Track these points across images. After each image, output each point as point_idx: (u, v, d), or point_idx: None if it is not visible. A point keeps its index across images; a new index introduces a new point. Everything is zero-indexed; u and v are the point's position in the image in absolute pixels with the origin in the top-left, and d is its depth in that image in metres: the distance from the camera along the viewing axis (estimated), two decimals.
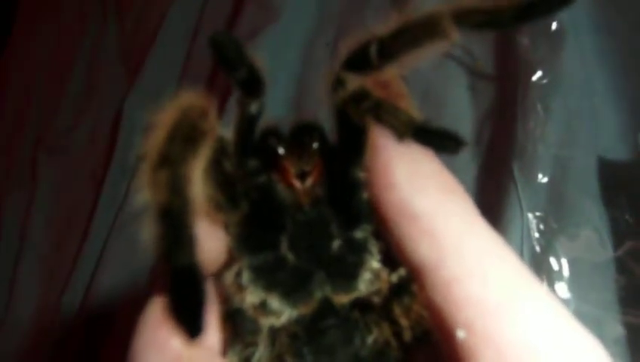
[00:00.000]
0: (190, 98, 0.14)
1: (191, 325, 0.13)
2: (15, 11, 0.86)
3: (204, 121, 0.14)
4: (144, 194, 0.13)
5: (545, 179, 0.26)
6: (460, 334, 0.14)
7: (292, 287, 0.16)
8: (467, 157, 0.31)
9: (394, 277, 0.16)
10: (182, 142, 0.13)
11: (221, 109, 0.45)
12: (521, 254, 0.26)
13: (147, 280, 0.49)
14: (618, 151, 0.27)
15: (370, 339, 0.16)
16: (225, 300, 0.17)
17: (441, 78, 0.34)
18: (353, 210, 0.16)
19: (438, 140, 0.14)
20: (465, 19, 0.14)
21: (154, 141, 0.13)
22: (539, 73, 0.28)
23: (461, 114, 0.33)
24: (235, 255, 0.16)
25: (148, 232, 0.13)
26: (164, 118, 0.14)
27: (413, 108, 0.14)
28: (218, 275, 0.17)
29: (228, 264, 0.17)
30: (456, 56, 0.34)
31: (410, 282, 0.16)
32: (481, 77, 0.33)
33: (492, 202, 0.28)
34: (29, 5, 0.85)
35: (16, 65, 0.83)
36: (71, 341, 0.53)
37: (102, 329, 0.51)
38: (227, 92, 0.47)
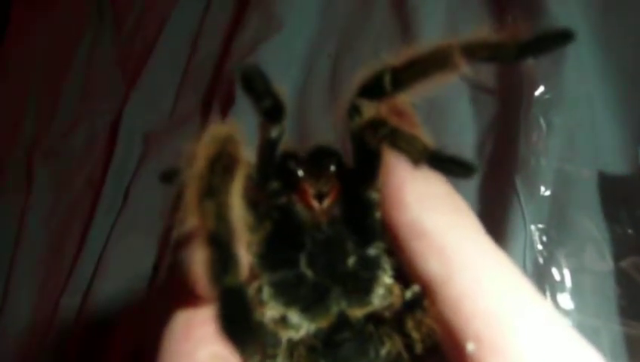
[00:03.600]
0: (224, 129, 0.15)
1: (242, 340, 0.13)
2: (8, 12, 0.86)
3: (238, 150, 0.15)
4: (191, 222, 0.14)
5: (547, 192, 0.27)
6: (470, 347, 0.14)
7: (310, 302, 0.17)
8: None
9: (408, 294, 0.17)
10: (222, 173, 0.14)
11: (224, 116, 0.45)
12: (523, 265, 0.27)
13: (146, 286, 0.49)
14: (619, 166, 0.28)
15: (383, 351, 0.17)
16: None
17: (444, 91, 0.34)
18: (367, 228, 0.17)
19: (451, 167, 0.15)
20: (472, 52, 0.15)
21: (197, 172, 0.14)
22: (541, 88, 0.29)
23: (463, 126, 0.33)
24: (255, 272, 0.17)
25: (197, 257, 0.13)
26: (203, 150, 0.15)
27: (426, 136, 0.15)
28: None
29: (249, 280, 0.17)
30: None
31: (422, 298, 0.16)
32: (483, 90, 0.33)
33: (495, 214, 0.28)
34: (22, 6, 0.85)
35: (11, 67, 0.83)
36: (68, 346, 0.53)
37: (100, 334, 0.51)
38: (227, 100, 0.47)
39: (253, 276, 0.17)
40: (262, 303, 0.17)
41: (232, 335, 0.13)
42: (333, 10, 0.43)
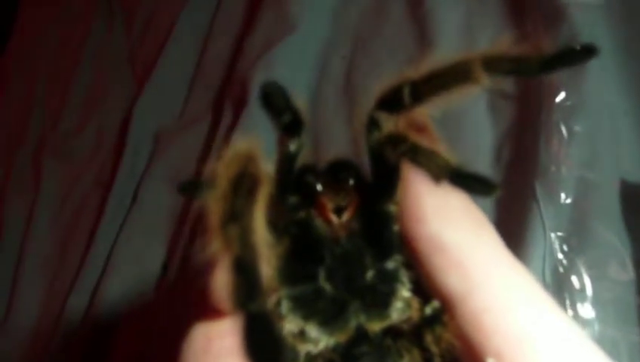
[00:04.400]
0: (245, 146, 0.15)
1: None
2: (16, 10, 0.86)
3: (260, 169, 0.15)
4: (215, 246, 0.14)
5: (568, 200, 0.27)
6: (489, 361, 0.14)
7: (329, 316, 0.17)
8: (488, 172, 0.31)
9: (428, 310, 0.17)
10: (246, 195, 0.14)
11: (235, 116, 0.45)
12: (543, 273, 0.26)
13: (154, 287, 0.49)
14: None
15: None
16: None
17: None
18: (385, 241, 0.17)
19: (472, 184, 0.15)
20: (494, 66, 0.15)
21: (219, 195, 0.14)
22: (562, 95, 0.28)
23: (481, 132, 0.33)
24: (274, 285, 0.17)
25: (222, 282, 0.13)
26: (225, 171, 0.15)
27: (446, 152, 0.15)
28: None
29: (268, 294, 0.17)
30: None
31: (441, 313, 0.16)
32: (501, 96, 0.33)
33: (514, 221, 0.28)
34: (29, 3, 0.85)
35: (19, 65, 0.83)
36: (75, 346, 0.53)
37: (107, 334, 0.50)
38: (239, 100, 0.47)
39: (272, 290, 0.17)
40: (280, 317, 0.17)
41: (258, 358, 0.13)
42: (348, 11, 0.43)
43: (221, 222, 0.14)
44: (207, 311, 0.17)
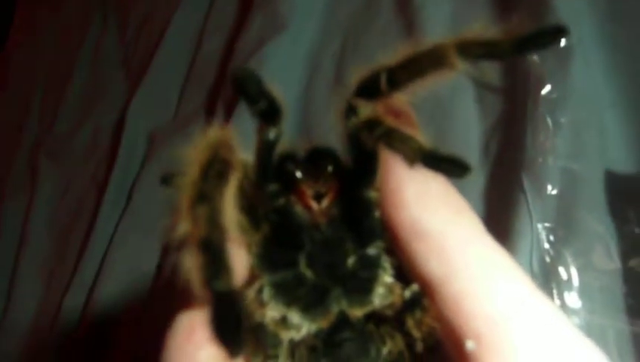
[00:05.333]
0: (217, 133, 0.15)
1: (232, 344, 0.13)
2: (12, 13, 0.86)
3: (231, 154, 0.15)
4: (183, 227, 0.14)
5: (554, 191, 0.27)
6: (470, 345, 0.14)
7: (311, 302, 0.17)
8: (475, 168, 0.31)
9: (407, 293, 0.17)
10: (215, 178, 0.14)
11: (228, 116, 0.45)
12: (530, 264, 0.27)
13: (149, 286, 0.49)
14: (626, 164, 0.27)
15: (384, 350, 0.17)
16: (246, 316, 0.17)
17: (449, 90, 0.35)
18: (366, 228, 0.17)
19: (446, 166, 0.15)
20: (468, 50, 0.15)
21: (189, 178, 0.14)
22: (548, 87, 0.29)
23: (469, 125, 0.33)
24: (255, 273, 0.17)
25: (188, 262, 0.13)
26: (196, 155, 0.15)
27: (422, 136, 0.15)
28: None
29: (249, 282, 0.17)
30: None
31: (422, 297, 0.17)
32: (489, 90, 0.33)
33: (501, 213, 0.28)
34: (26, 7, 0.85)
35: (14, 68, 0.83)
36: (72, 346, 0.53)
37: (103, 334, 0.51)
38: (232, 100, 0.47)
39: (254, 277, 0.17)
40: (262, 304, 0.17)
41: (223, 339, 0.13)
42: (338, 10, 0.43)
43: (190, 203, 0.14)
44: (191, 300, 0.17)
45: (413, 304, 0.17)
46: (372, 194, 0.17)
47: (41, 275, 0.61)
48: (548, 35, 0.15)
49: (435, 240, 0.15)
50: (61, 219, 0.63)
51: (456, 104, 0.34)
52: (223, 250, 0.13)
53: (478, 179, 0.31)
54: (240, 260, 0.17)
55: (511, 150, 0.30)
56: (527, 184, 0.28)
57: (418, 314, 0.17)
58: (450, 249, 0.15)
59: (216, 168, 0.14)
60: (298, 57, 0.44)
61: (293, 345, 0.17)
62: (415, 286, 0.16)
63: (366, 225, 0.17)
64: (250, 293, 0.17)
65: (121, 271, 0.52)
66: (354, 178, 0.17)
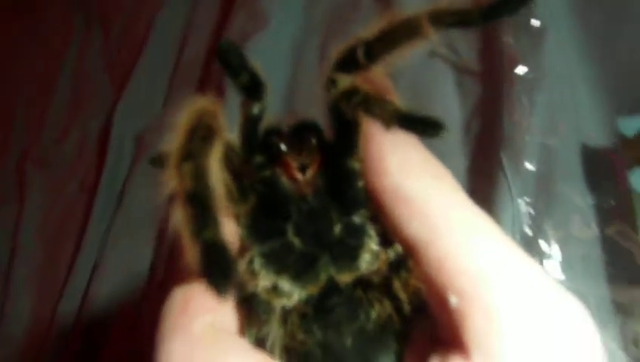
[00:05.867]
0: (203, 102, 0.16)
1: (221, 286, 0.14)
2: None
3: (216, 121, 0.16)
4: (171, 185, 0.14)
5: (532, 167, 0.28)
6: (453, 301, 0.15)
7: (300, 270, 0.18)
8: (457, 149, 0.32)
9: (391, 253, 0.18)
10: (200, 140, 0.15)
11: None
12: (512, 237, 0.28)
13: (143, 288, 0.49)
14: (600, 138, 0.28)
15: (373, 314, 0.18)
16: (239, 287, 0.18)
17: (429, 75, 0.35)
18: (350, 197, 0.18)
19: (421, 126, 0.15)
20: (439, 20, 0.16)
21: (176, 140, 0.15)
22: (523, 68, 0.30)
23: (449, 108, 0.34)
24: (246, 244, 0.18)
25: (177, 218, 0.14)
26: (183, 121, 0.16)
27: (398, 100, 0.16)
28: None
29: (240, 254, 0.18)
30: (443, 55, 0.35)
31: (406, 258, 0.17)
32: (467, 73, 0.34)
33: (484, 191, 0.29)
34: (8, 16, 0.85)
35: None
36: (67, 351, 0.53)
37: (99, 337, 0.51)
38: (217, 97, 0.48)
39: (244, 249, 0.18)
40: (254, 274, 0.17)
41: (212, 282, 0.14)
42: (319, 3, 0.44)
43: (176, 161, 0.15)
44: (186, 275, 0.18)
45: (398, 265, 0.17)
46: (355, 164, 0.17)
47: (34, 283, 0.61)
48: (514, 2, 0.15)
49: (418, 204, 0.16)
50: (52, 226, 0.63)
51: (436, 88, 0.35)
52: (209, 202, 0.14)
53: (460, 159, 0.31)
54: (230, 233, 0.18)
55: (490, 130, 0.31)
56: (506, 161, 0.29)
57: (404, 275, 0.17)
58: (433, 212, 0.16)
59: (201, 131, 0.15)
60: (282, 52, 0.45)
61: (285, 313, 0.18)
62: (399, 247, 0.17)
63: (350, 194, 0.18)
64: (242, 265, 0.18)
65: (114, 273, 0.52)
66: (337, 149, 0.18)
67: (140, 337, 0.48)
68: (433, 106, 0.34)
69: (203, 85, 0.51)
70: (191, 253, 0.14)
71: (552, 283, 0.16)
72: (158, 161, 0.19)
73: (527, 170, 0.28)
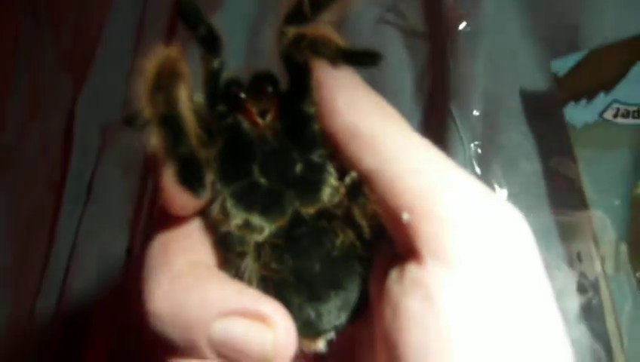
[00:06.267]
0: (166, 50, 0.18)
1: (197, 187, 0.16)
2: None
3: (181, 64, 0.17)
4: (145, 113, 0.16)
5: (478, 113, 0.30)
6: (405, 217, 0.17)
7: (268, 206, 0.19)
8: (411, 105, 0.34)
9: (348, 180, 0.19)
10: (169, 75, 0.17)
11: None
12: None
13: (121, 272, 0.50)
14: (537, 82, 0.31)
15: (337, 241, 0.19)
16: (213, 230, 0.20)
17: (380, 41, 0.37)
18: (308, 138, 0.19)
19: (363, 58, 0.17)
20: None
21: (146, 77, 0.17)
22: (464, 24, 0.32)
23: (401, 70, 0.36)
24: (217, 189, 0.19)
25: (153, 142, 0.16)
26: (150, 63, 0.17)
27: (340, 39, 0.18)
28: (204, 212, 0.19)
29: (211, 201, 0.20)
30: (391, 21, 0.37)
31: (362, 184, 0.19)
32: (415, 35, 0.36)
33: (437, 139, 0.31)
34: None
35: None
36: (48, 348, 0.53)
37: (80, 330, 0.51)
38: None
39: (215, 194, 0.19)
40: (226, 214, 0.19)
41: (189, 185, 0.16)
42: None
43: (147, 92, 0.16)
44: (166, 223, 0.19)
45: (355, 191, 0.19)
46: (309, 108, 0.19)
47: (8, 282, 0.61)
48: None
49: (369, 139, 0.18)
50: (22, 225, 0.63)
51: (387, 53, 0.36)
52: (181, 123, 0.16)
53: (414, 114, 0.34)
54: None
55: (439, 85, 0.33)
56: (454, 110, 0.31)
57: (361, 200, 0.19)
58: (382, 144, 0.18)
59: (169, 67, 0.17)
60: (238, 30, 0.46)
61: (259, 246, 0.19)
62: (354, 174, 0.19)
63: (307, 136, 0.19)
64: (215, 208, 0.19)
65: (90, 263, 0.52)
66: (292, 96, 0.19)
67: (121, 322, 0.49)
68: (385, 69, 0.36)
69: None
70: (167, 170, 0.16)
71: (490, 192, 0.18)
72: (133, 121, 0.20)
73: (474, 116, 0.30)
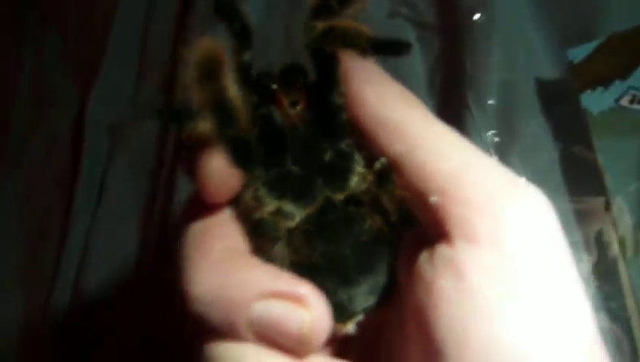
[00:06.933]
0: (208, 42, 0.18)
1: (245, 165, 0.18)
2: None
3: (224, 52, 0.18)
4: (195, 102, 0.17)
5: (494, 102, 0.31)
6: (433, 200, 0.18)
7: (299, 193, 0.20)
8: (424, 98, 0.35)
9: (377, 165, 0.20)
10: (215, 64, 0.17)
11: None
12: None
13: (135, 267, 0.50)
14: (553, 70, 0.31)
15: (366, 227, 0.20)
16: (245, 218, 0.20)
17: (392, 34, 0.38)
18: (337, 128, 0.20)
19: (393, 48, 0.18)
20: None
21: (194, 66, 0.17)
22: (477, 14, 0.32)
23: (414, 63, 0.36)
24: (249, 177, 0.20)
25: (200, 129, 0.17)
26: (196, 53, 0.18)
27: (369, 31, 0.18)
28: (236, 201, 0.20)
29: (243, 189, 0.20)
30: (403, 13, 0.38)
31: (390, 170, 0.20)
32: (427, 28, 0.37)
33: (453, 129, 0.32)
34: None
35: None
36: (62, 345, 0.54)
37: (96, 325, 0.52)
38: None
39: (247, 182, 0.20)
40: (259, 201, 0.20)
41: (240, 165, 0.18)
42: None
43: (196, 80, 0.17)
44: (198, 213, 0.20)
45: (384, 177, 0.19)
46: (338, 99, 0.20)
47: (20, 283, 0.61)
48: None
49: (397, 127, 0.19)
50: (31, 226, 0.63)
51: None
52: (230, 105, 0.17)
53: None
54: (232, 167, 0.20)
55: (453, 76, 0.33)
56: (470, 102, 0.31)
57: (390, 186, 0.19)
58: (410, 131, 0.19)
59: (213, 58, 0.17)
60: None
61: (290, 232, 0.20)
62: (383, 160, 0.19)
63: (336, 125, 0.20)
64: (248, 195, 0.20)
65: (102, 263, 0.53)
66: (321, 87, 0.20)
67: (137, 316, 0.49)
68: (398, 62, 0.36)
69: (174, 64, 0.51)
70: (208, 158, 0.17)
71: (514, 175, 0.18)
72: (165, 114, 0.21)
73: (489, 105, 0.31)
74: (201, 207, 0.20)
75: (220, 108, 0.17)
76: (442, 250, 0.18)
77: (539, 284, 0.17)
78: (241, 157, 0.18)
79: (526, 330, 0.16)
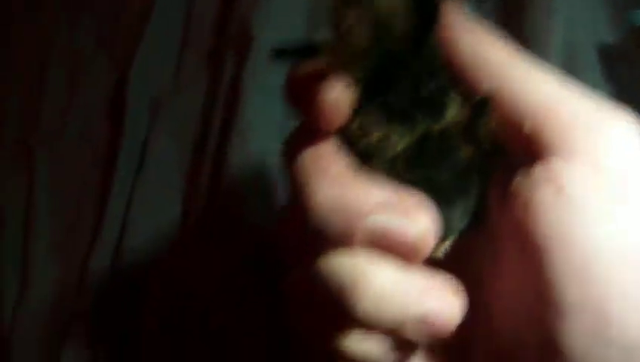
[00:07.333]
0: None
1: None
2: None
3: None
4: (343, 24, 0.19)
5: (557, 61, 0.32)
6: (528, 124, 0.20)
7: (402, 123, 0.22)
8: None
9: (477, 98, 0.22)
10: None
11: (241, 58, 0.48)
12: None
13: (177, 236, 0.51)
14: (616, 34, 0.33)
15: (461, 154, 0.23)
16: (352, 145, 0.23)
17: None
18: (435, 67, 0.22)
19: None
20: None
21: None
22: None
23: None
24: (357, 107, 0.22)
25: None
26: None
27: None
28: (342, 131, 0.22)
29: (351, 119, 0.22)
30: None
31: (487, 103, 0.22)
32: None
33: None
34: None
35: None
36: (102, 307, 0.55)
37: (136, 290, 0.52)
38: (242, 42, 0.50)
39: (354, 113, 0.22)
40: (366, 130, 0.22)
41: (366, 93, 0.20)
42: None
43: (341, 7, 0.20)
44: (309, 141, 0.21)
45: (480, 110, 0.22)
46: (436, 47, 0.22)
47: (54, 254, 0.62)
48: None
49: (492, 66, 0.21)
50: (68, 198, 0.64)
51: None
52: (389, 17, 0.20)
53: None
54: (346, 98, 0.21)
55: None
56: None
57: (484, 119, 0.22)
58: (505, 68, 0.21)
59: None
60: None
61: (394, 157, 0.22)
62: (483, 93, 0.22)
63: (434, 65, 0.22)
64: (355, 125, 0.22)
65: (144, 229, 0.54)
66: (421, 30, 0.22)
67: (177, 284, 0.50)
68: None
69: (219, 37, 0.53)
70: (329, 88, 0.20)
71: (602, 104, 0.20)
72: (281, 54, 0.22)
73: (552, 65, 0.32)
74: (309, 136, 0.22)
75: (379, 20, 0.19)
76: (539, 168, 0.19)
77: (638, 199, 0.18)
78: (369, 87, 0.20)
79: (634, 231, 0.17)
